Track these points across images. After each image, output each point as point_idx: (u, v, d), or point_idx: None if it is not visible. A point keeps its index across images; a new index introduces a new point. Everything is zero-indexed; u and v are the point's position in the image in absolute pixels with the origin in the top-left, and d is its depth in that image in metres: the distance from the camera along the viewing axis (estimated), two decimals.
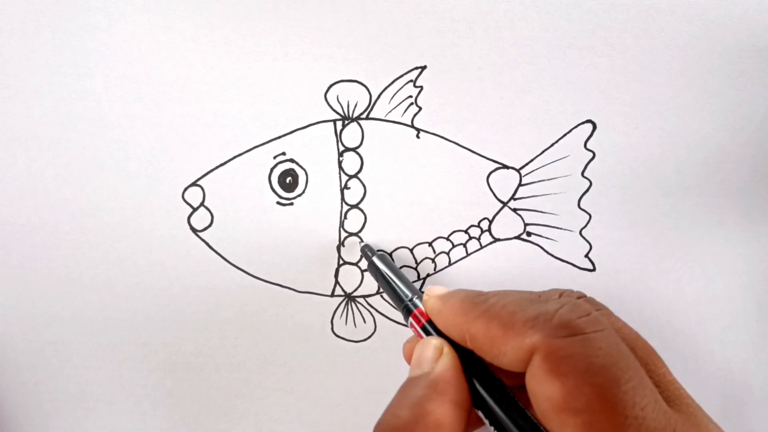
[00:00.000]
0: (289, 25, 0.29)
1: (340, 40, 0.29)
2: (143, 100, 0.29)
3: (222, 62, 0.29)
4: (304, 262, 0.31)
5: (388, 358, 0.33)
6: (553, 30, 0.29)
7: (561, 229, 0.31)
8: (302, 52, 0.29)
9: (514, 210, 0.31)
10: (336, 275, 0.32)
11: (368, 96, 0.30)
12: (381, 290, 0.32)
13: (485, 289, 0.32)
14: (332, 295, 0.32)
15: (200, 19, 0.29)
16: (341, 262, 0.32)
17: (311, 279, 0.32)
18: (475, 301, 0.23)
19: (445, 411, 0.21)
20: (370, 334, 0.33)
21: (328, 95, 0.30)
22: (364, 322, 0.32)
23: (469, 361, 0.23)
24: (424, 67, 0.29)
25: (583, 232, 0.31)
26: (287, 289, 0.32)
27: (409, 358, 0.26)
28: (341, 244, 0.31)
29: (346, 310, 0.32)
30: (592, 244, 0.31)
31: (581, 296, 0.22)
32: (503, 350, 0.21)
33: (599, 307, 0.23)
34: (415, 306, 0.26)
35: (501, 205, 0.31)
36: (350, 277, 0.32)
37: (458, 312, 0.23)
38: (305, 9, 0.29)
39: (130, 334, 0.32)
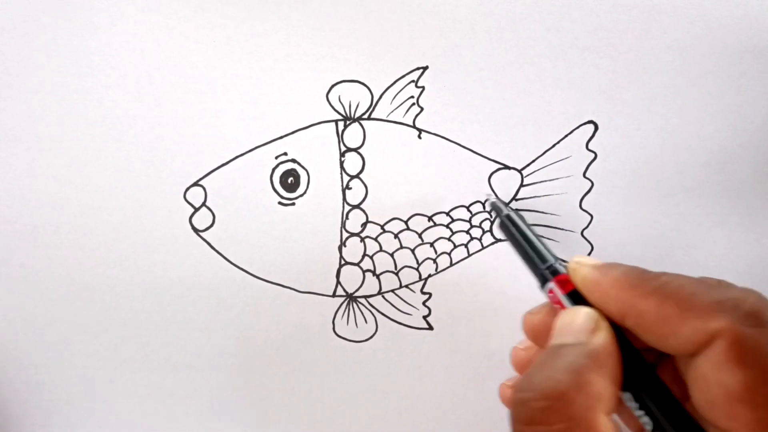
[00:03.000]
0: (291, 25, 0.29)
1: (341, 40, 0.29)
2: (145, 100, 0.29)
3: (223, 62, 0.29)
4: (306, 262, 0.31)
5: (390, 358, 0.33)
6: (555, 31, 0.29)
7: (563, 229, 0.31)
8: (304, 52, 0.29)
9: (516, 210, 0.31)
10: (337, 275, 0.32)
11: (370, 96, 0.30)
12: (383, 291, 0.32)
13: (488, 290, 0.32)
14: (334, 295, 0.32)
15: (202, 19, 0.29)
16: (343, 262, 0.32)
17: (313, 279, 0.32)
18: (645, 277, 0.22)
19: (606, 385, 0.20)
20: (371, 334, 0.33)
21: (329, 95, 0.30)
22: (366, 322, 0.32)
23: (621, 340, 0.21)
24: (426, 68, 0.29)
25: (584, 233, 0.31)
26: (289, 289, 0.32)
27: (531, 331, 0.25)
28: (343, 244, 0.31)
29: (347, 310, 0.32)
30: (594, 245, 0.31)
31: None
32: (677, 331, 0.20)
33: None
34: (556, 273, 0.24)
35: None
36: (352, 278, 0.32)
37: (622, 285, 0.22)
38: (307, 9, 0.29)
39: (131, 334, 0.32)
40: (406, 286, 0.32)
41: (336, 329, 0.32)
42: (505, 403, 0.28)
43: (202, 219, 0.31)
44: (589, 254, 0.32)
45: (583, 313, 0.22)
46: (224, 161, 0.30)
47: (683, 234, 0.31)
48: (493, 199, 0.29)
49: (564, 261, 0.25)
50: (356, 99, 0.30)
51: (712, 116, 0.30)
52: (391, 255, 0.31)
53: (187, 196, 0.31)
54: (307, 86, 0.29)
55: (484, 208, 0.30)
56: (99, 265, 0.31)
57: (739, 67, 0.29)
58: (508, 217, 0.27)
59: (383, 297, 0.32)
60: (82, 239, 0.31)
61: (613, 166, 0.30)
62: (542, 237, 0.26)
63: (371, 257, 0.32)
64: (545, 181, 0.31)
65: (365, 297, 0.32)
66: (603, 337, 0.21)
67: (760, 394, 0.18)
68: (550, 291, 0.25)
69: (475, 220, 0.31)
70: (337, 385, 0.33)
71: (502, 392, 0.29)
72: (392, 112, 0.30)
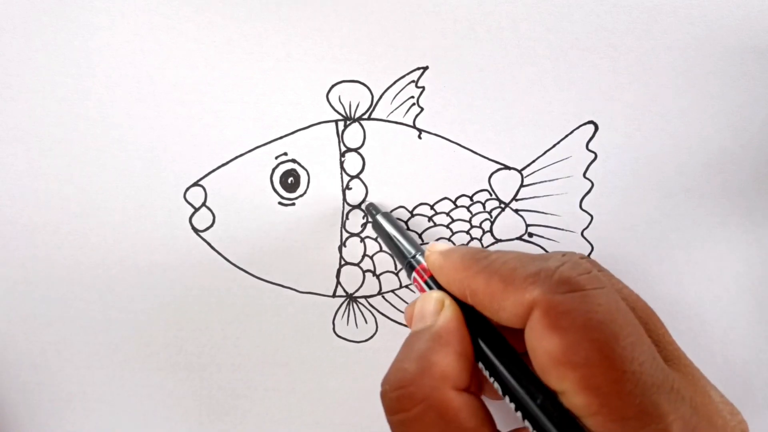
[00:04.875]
0: (292, 25, 0.29)
1: (342, 40, 0.29)
2: (145, 100, 0.29)
3: (224, 62, 0.29)
4: (306, 262, 0.31)
5: (390, 358, 0.33)
6: (555, 31, 0.29)
7: (562, 230, 0.31)
8: (304, 52, 0.29)
9: (516, 211, 0.31)
10: (338, 275, 0.32)
11: (370, 96, 0.30)
12: (383, 291, 0.32)
13: None
14: (334, 295, 0.32)
15: (202, 20, 0.29)
16: (343, 262, 0.32)
17: (313, 279, 0.32)
18: (477, 257, 0.23)
19: (450, 362, 0.21)
20: (371, 334, 0.33)
21: (329, 95, 0.30)
22: (366, 322, 0.32)
23: (471, 316, 0.23)
24: (426, 68, 0.29)
25: (584, 233, 0.31)
26: (289, 290, 0.32)
27: (410, 321, 0.26)
28: (343, 244, 0.31)
29: (347, 310, 0.32)
30: (594, 246, 0.31)
31: (583, 257, 0.22)
32: (503, 305, 0.21)
33: (600, 268, 0.23)
34: (418, 263, 0.26)
35: (503, 206, 0.31)
36: (352, 278, 0.32)
37: (459, 267, 0.23)
38: (307, 9, 0.29)
39: (131, 335, 0.32)
40: (407, 287, 0.32)
41: (336, 329, 0.32)
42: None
43: (202, 219, 0.31)
44: (589, 254, 0.32)
45: (429, 297, 0.24)
46: (224, 161, 0.30)
47: (683, 234, 0.31)
48: (368, 204, 0.31)
49: None
50: (356, 99, 0.30)
51: (712, 117, 0.30)
52: (392, 255, 0.31)
53: (187, 196, 0.31)
54: (308, 86, 0.29)
55: (476, 200, 0.31)
56: (99, 265, 0.31)
57: (739, 67, 0.29)
58: (376, 219, 0.29)
59: (383, 297, 0.32)
60: (82, 239, 0.31)
61: (614, 167, 0.30)
62: (408, 234, 0.28)
63: (371, 257, 0.32)
64: (545, 181, 0.31)
65: (365, 297, 0.32)
66: (444, 317, 0.23)
67: (576, 355, 0.19)
68: (415, 280, 0.26)
69: (476, 221, 0.31)
70: (337, 386, 0.33)
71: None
72: (392, 112, 0.30)
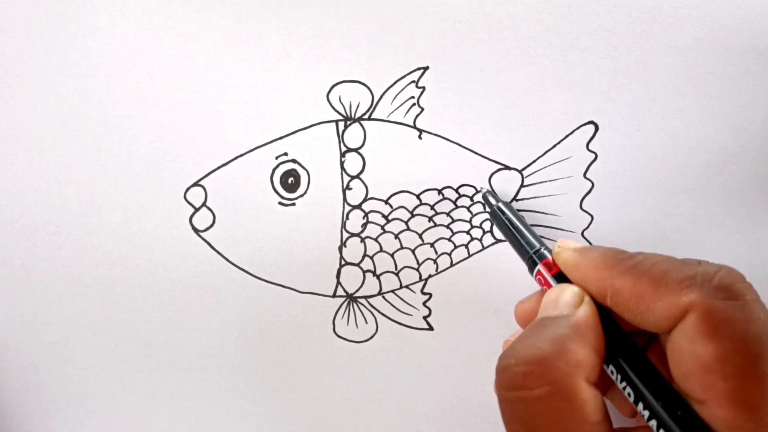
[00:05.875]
0: (292, 25, 0.29)
1: (342, 40, 0.29)
2: (145, 101, 0.29)
3: (224, 62, 0.29)
4: (306, 262, 0.31)
5: (390, 358, 0.33)
6: (556, 31, 0.29)
7: (563, 230, 0.31)
8: (304, 52, 0.29)
9: (507, 202, 0.31)
10: (338, 276, 0.32)
11: (370, 96, 0.30)
12: (384, 291, 0.32)
13: (488, 290, 0.32)
14: (334, 295, 0.32)
15: (202, 20, 0.29)
16: (343, 262, 0.32)
17: (313, 279, 0.32)
18: (620, 257, 0.22)
19: (586, 353, 0.21)
20: (371, 334, 0.33)
21: (330, 96, 0.30)
22: (366, 322, 0.32)
23: (605, 318, 0.22)
24: (426, 68, 0.29)
25: (585, 234, 0.31)
26: (289, 290, 0.32)
27: (523, 319, 0.26)
28: (343, 244, 0.31)
29: (347, 310, 0.32)
30: None
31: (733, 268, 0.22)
32: (652, 307, 0.20)
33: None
34: (542, 257, 0.26)
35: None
36: (352, 278, 0.32)
37: (600, 266, 0.22)
38: (307, 10, 0.29)
39: (131, 335, 0.32)
40: (407, 287, 0.32)
41: (336, 329, 0.32)
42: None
43: (202, 219, 0.31)
44: None
45: (568, 289, 0.23)
46: (225, 161, 0.30)
47: (684, 235, 0.31)
48: (486, 190, 0.30)
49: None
50: (357, 99, 0.30)
51: (712, 117, 0.30)
52: (392, 255, 0.31)
53: (188, 196, 0.31)
54: (308, 86, 0.29)
55: (476, 200, 0.31)
56: (99, 265, 0.31)
57: (739, 67, 0.29)
58: (498, 207, 0.29)
59: (383, 297, 0.32)
60: (82, 239, 0.31)
61: (614, 167, 0.30)
62: (532, 226, 0.28)
63: (371, 257, 0.32)
64: (546, 181, 0.31)
65: (365, 297, 0.32)
66: (585, 311, 0.22)
67: (731, 365, 0.18)
68: (538, 273, 0.26)
69: (476, 221, 0.31)
70: (337, 386, 0.33)
71: None
72: (393, 112, 0.30)
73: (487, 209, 0.30)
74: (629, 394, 0.21)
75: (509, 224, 0.28)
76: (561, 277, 0.25)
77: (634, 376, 0.21)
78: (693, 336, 0.19)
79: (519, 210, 0.31)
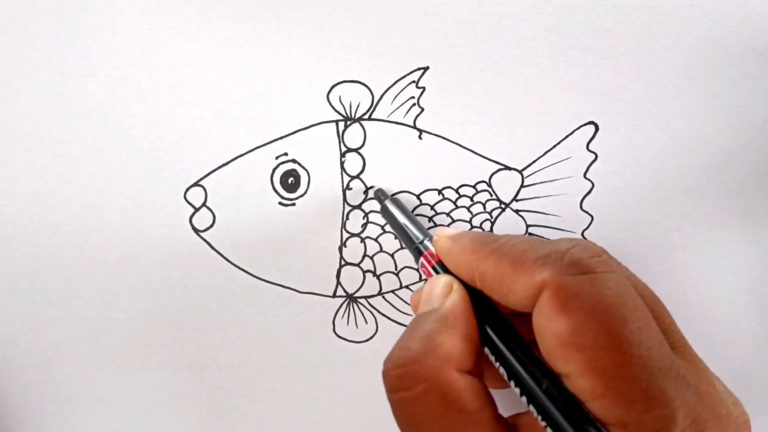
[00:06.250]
0: (292, 25, 0.29)
1: (342, 40, 0.29)
2: (145, 101, 0.29)
3: (224, 62, 0.29)
4: (306, 262, 0.31)
5: None
6: (556, 31, 0.29)
7: (563, 230, 0.31)
8: (305, 52, 0.29)
9: (516, 211, 0.31)
10: (338, 276, 0.32)
11: (370, 97, 0.30)
12: (384, 291, 0.32)
13: None
14: (334, 295, 0.32)
15: (202, 20, 0.29)
16: (343, 262, 0.32)
17: (313, 279, 0.32)
18: (486, 241, 0.23)
19: (455, 344, 0.21)
20: (371, 335, 0.33)
21: (330, 96, 0.30)
22: (366, 322, 0.32)
23: (478, 301, 0.23)
24: (426, 68, 0.29)
25: (585, 234, 0.31)
26: (289, 290, 0.32)
27: (416, 308, 0.26)
28: (343, 244, 0.31)
29: (347, 310, 0.32)
30: None
31: (594, 243, 0.22)
32: (512, 287, 0.21)
33: (609, 255, 0.23)
34: (426, 248, 0.26)
35: (503, 206, 0.31)
36: (352, 278, 0.32)
37: (468, 251, 0.23)
38: (307, 10, 0.29)
39: (131, 335, 0.32)
40: (407, 287, 0.32)
41: (336, 330, 0.32)
42: None
43: (202, 219, 0.31)
44: None
45: (438, 280, 0.24)
46: (225, 161, 0.30)
47: (684, 235, 0.31)
48: (376, 189, 0.30)
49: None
50: (357, 99, 0.30)
51: (712, 117, 0.30)
52: (392, 255, 0.31)
53: (188, 196, 0.31)
54: (308, 86, 0.29)
55: (476, 200, 0.31)
56: (99, 266, 0.31)
57: (739, 68, 0.29)
58: (384, 206, 0.29)
59: (383, 297, 0.32)
60: (82, 239, 0.31)
61: (614, 167, 0.30)
62: (416, 219, 0.28)
63: (371, 258, 0.32)
64: (546, 181, 0.31)
65: (365, 297, 0.32)
66: (451, 300, 0.23)
67: (583, 337, 0.19)
68: (422, 265, 0.26)
69: (476, 221, 0.31)
70: (337, 386, 0.33)
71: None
72: (393, 112, 0.30)
73: (378, 207, 0.30)
74: (503, 374, 0.21)
75: (395, 218, 0.28)
76: (443, 266, 0.25)
77: (505, 352, 0.21)
78: (548, 313, 0.19)
79: (519, 210, 0.31)
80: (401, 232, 0.28)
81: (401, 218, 0.28)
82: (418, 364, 0.21)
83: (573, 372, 0.19)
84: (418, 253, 0.27)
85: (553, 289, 0.20)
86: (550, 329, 0.19)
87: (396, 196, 0.31)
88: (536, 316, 0.20)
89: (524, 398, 0.20)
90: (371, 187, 0.31)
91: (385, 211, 0.29)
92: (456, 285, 0.23)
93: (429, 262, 0.26)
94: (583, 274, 0.20)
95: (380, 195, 0.30)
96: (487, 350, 0.22)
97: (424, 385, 0.20)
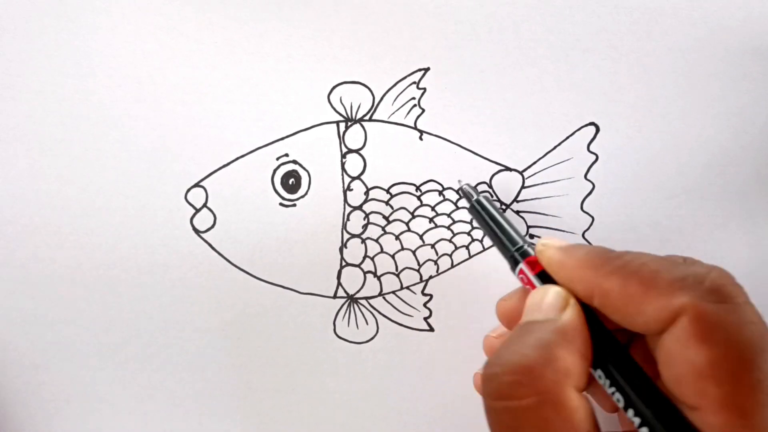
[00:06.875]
0: (293, 26, 0.29)
1: (343, 41, 0.29)
2: (146, 101, 0.29)
3: (225, 63, 0.29)
4: (307, 263, 0.31)
5: (390, 359, 0.33)
6: (557, 32, 0.29)
7: (564, 231, 0.31)
8: (305, 53, 0.29)
9: (517, 212, 0.31)
10: (338, 277, 0.32)
11: (371, 98, 0.30)
12: (384, 292, 0.32)
13: (488, 291, 0.32)
14: (334, 296, 0.32)
15: (203, 20, 0.29)
16: (344, 263, 0.31)
17: (313, 280, 0.32)
18: (608, 256, 0.21)
19: (574, 360, 0.20)
20: (372, 335, 0.33)
21: (331, 97, 0.30)
22: (367, 323, 0.32)
23: (591, 319, 0.21)
24: (427, 69, 0.29)
25: (585, 235, 0.31)
26: (289, 291, 0.32)
27: (504, 317, 0.25)
28: (344, 245, 0.31)
29: (348, 311, 0.32)
30: None
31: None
32: (642, 309, 0.20)
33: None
34: (525, 255, 0.25)
35: (504, 207, 0.31)
36: (353, 279, 0.32)
37: (587, 265, 0.22)
38: (308, 10, 0.29)
39: (132, 335, 0.32)
40: (407, 288, 0.32)
41: (337, 330, 0.32)
42: (477, 389, 0.28)
43: (203, 220, 0.31)
44: None
45: (552, 291, 0.22)
46: (225, 162, 0.30)
47: (684, 236, 0.31)
48: (463, 184, 0.29)
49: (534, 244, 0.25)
50: (357, 100, 0.30)
51: (713, 118, 0.30)
52: (392, 256, 0.31)
53: (188, 197, 0.31)
54: (309, 87, 0.29)
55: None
56: (100, 266, 0.31)
57: (740, 69, 0.29)
58: (478, 202, 0.27)
59: (384, 298, 0.32)
60: (82, 240, 0.31)
61: (615, 168, 0.30)
62: (533, 227, 0.27)
63: (372, 258, 0.32)
64: (546, 182, 0.31)
65: (366, 298, 0.32)
66: (571, 314, 0.21)
67: (723, 370, 0.18)
68: (521, 272, 0.25)
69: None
70: (338, 387, 0.33)
71: (475, 381, 0.29)
72: (394, 113, 0.30)
73: (467, 204, 0.28)
74: (618, 400, 0.20)
75: (490, 219, 0.27)
76: (544, 277, 0.24)
77: (624, 382, 0.20)
78: (685, 340, 0.19)
79: (520, 211, 0.31)
80: (494, 236, 0.26)
81: (500, 219, 0.26)
82: (535, 374, 0.19)
83: (705, 406, 0.18)
84: (515, 261, 0.25)
85: (693, 316, 0.18)
86: (686, 358, 0.18)
87: (485, 194, 0.28)
88: (669, 342, 0.19)
89: (644, 429, 0.19)
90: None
91: (475, 212, 0.27)
92: (573, 300, 0.22)
93: (532, 271, 0.24)
94: (725, 302, 0.19)
95: (470, 191, 0.28)
96: (599, 372, 0.21)
97: (538, 397, 0.19)
